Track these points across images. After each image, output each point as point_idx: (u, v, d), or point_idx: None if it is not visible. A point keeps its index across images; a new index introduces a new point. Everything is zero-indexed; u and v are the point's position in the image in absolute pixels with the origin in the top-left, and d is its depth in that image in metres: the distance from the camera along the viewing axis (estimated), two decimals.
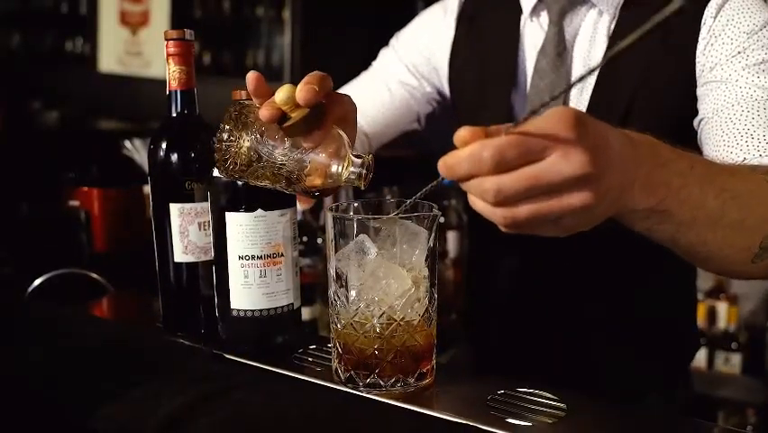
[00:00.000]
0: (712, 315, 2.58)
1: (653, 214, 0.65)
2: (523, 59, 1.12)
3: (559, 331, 1.13)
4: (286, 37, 3.54)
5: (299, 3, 3.46)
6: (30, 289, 1.13)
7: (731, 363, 2.51)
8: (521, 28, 1.13)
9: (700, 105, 0.99)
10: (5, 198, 1.50)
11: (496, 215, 0.58)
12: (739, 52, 0.95)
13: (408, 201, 0.75)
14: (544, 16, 1.10)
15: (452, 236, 1.98)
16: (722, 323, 2.56)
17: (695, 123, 1.00)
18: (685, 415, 0.76)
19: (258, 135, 0.76)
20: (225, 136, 0.76)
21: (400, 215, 0.76)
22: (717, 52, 0.97)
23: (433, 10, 1.25)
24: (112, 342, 0.97)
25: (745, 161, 0.89)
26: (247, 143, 0.76)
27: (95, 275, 1.17)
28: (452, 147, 0.58)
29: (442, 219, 1.93)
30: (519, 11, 1.13)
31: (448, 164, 0.57)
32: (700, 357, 2.53)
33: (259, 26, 3.84)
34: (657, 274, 1.12)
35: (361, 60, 1.32)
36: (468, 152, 0.55)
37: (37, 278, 1.13)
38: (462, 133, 0.56)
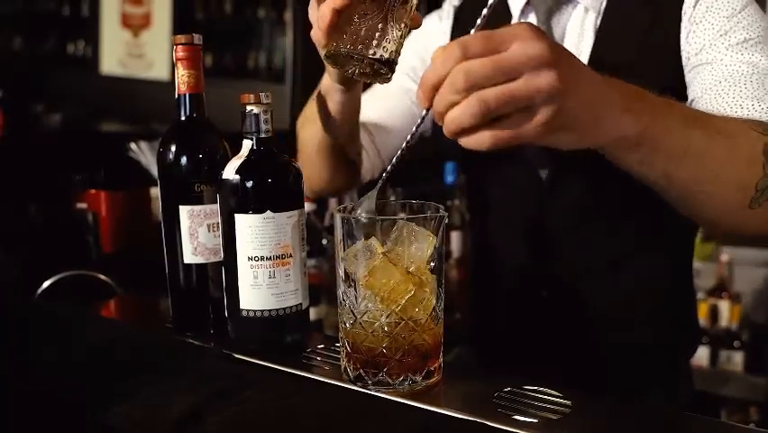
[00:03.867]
0: (714, 313, 2.58)
1: (643, 143, 0.68)
2: None
3: (561, 328, 1.14)
4: (287, 38, 3.55)
5: (300, 4, 3.47)
6: (39, 290, 1.14)
7: (733, 361, 2.52)
8: None
9: (689, 89, 1.01)
10: (14, 201, 1.51)
11: (470, 107, 0.60)
12: (722, 35, 0.98)
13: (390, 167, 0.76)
14: (533, 18, 1.13)
15: (455, 236, 2.00)
16: (724, 321, 2.57)
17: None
18: (688, 412, 0.77)
19: (402, 24, 0.78)
20: (365, 17, 0.77)
21: (407, 216, 0.77)
22: (699, 38, 1.00)
23: (429, 17, 1.28)
24: (122, 343, 0.98)
25: None
26: (391, 29, 0.78)
27: (103, 277, 1.18)
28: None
29: (447, 220, 1.93)
30: (509, 15, 1.16)
31: (426, 76, 0.62)
32: (703, 355, 2.54)
33: (260, 28, 3.85)
34: (656, 269, 1.13)
35: None
36: (440, 53, 0.62)
37: (46, 280, 1.15)
38: (437, 52, 0.62)
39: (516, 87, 0.60)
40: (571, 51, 1.08)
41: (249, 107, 0.86)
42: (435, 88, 0.62)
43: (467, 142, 0.63)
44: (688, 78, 1.02)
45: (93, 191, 1.33)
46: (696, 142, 0.71)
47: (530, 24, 0.62)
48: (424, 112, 0.67)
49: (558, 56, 0.61)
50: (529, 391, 0.78)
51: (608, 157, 0.72)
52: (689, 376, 1.24)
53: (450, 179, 2.10)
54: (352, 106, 1.04)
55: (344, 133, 1.09)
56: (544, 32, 0.62)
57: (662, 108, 0.70)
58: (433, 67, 0.62)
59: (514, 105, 0.60)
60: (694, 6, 1.01)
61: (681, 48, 1.02)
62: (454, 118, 0.62)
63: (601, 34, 1.07)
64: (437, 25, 1.26)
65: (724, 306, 2.58)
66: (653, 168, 0.71)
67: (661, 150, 0.69)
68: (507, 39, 0.60)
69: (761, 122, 0.82)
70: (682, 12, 1.02)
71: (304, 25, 3.46)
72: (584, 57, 1.08)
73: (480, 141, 0.62)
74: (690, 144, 0.71)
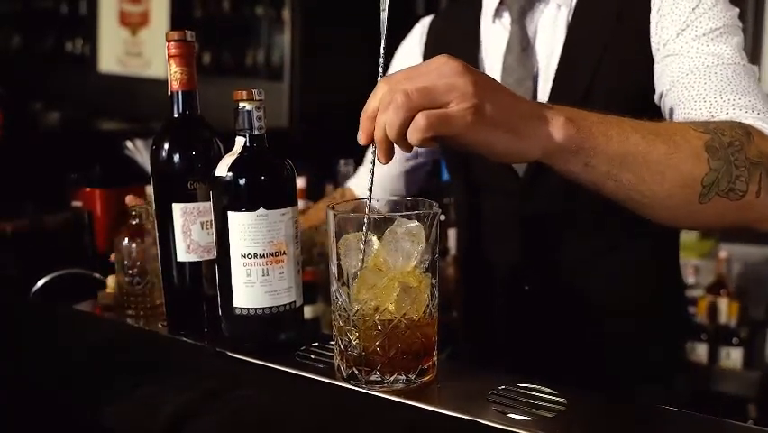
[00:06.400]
0: (713, 310, 2.58)
1: (580, 150, 0.73)
2: (490, 63, 1.17)
3: (553, 322, 1.14)
4: (285, 36, 3.54)
5: (299, 2, 3.46)
6: (34, 289, 1.14)
7: (732, 358, 2.51)
8: (483, 34, 1.19)
9: (660, 81, 1.03)
10: (10, 200, 1.51)
11: (395, 101, 0.67)
12: (688, 25, 1.00)
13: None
14: (506, 17, 1.16)
15: (453, 234, 1.99)
16: (723, 318, 2.57)
17: (656, 98, 1.04)
18: (684, 407, 0.77)
19: None
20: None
21: (401, 213, 0.77)
22: (667, 29, 1.02)
23: (403, 44, 1.33)
24: (116, 341, 0.98)
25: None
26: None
27: (98, 275, 1.18)
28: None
29: (443, 217, 1.94)
30: (477, 20, 1.19)
31: (362, 113, 0.71)
32: (702, 352, 2.54)
33: (258, 26, 3.84)
34: (641, 260, 1.15)
35: (359, 59, 1.34)
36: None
37: (41, 278, 1.14)
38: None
39: (433, 84, 0.68)
40: (545, 48, 1.11)
41: (241, 104, 0.85)
42: (372, 119, 0.70)
43: (409, 135, 0.68)
44: (657, 69, 1.03)
45: (88, 190, 1.32)
46: (635, 145, 0.75)
47: (447, 55, 0.70)
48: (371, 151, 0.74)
49: (472, 70, 0.69)
50: (524, 388, 0.77)
51: (556, 170, 0.76)
52: (684, 369, 1.25)
53: (447, 176, 2.10)
54: None
55: None
56: (458, 59, 0.70)
57: (595, 117, 0.75)
58: (366, 105, 0.71)
59: (432, 98, 0.67)
60: (662, 1, 1.03)
61: (651, 39, 1.04)
62: (387, 121, 0.68)
63: (572, 29, 1.09)
64: (410, 47, 1.30)
65: (723, 302, 2.57)
66: (597, 172, 0.75)
67: (600, 154, 0.74)
68: (425, 65, 0.70)
69: (700, 122, 0.84)
70: (651, 3, 1.04)
71: (302, 23, 3.46)
72: (557, 53, 1.10)
73: (416, 125, 0.67)
74: (629, 147, 0.75)
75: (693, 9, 1.00)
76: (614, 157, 0.74)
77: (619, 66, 1.06)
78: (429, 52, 1.26)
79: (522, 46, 1.11)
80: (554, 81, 1.09)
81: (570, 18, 1.10)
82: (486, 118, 0.68)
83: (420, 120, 0.66)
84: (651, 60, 1.04)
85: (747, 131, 0.82)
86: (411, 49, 1.30)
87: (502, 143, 0.71)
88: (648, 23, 1.03)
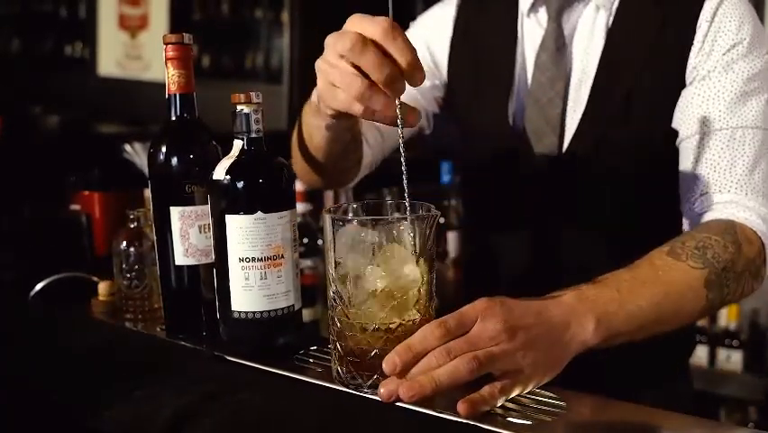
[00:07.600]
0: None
1: (604, 342, 0.81)
2: (522, 56, 1.15)
3: None
4: (285, 39, 3.55)
5: (298, 5, 3.47)
6: (32, 292, 1.14)
7: (732, 360, 2.51)
8: (519, 26, 1.16)
9: (681, 113, 1.05)
10: (8, 203, 1.51)
11: (465, 361, 0.71)
12: (722, 67, 1.02)
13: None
14: (543, 12, 1.13)
15: (452, 237, 1.99)
16: (723, 321, 2.56)
17: (677, 142, 1.06)
18: (686, 412, 0.77)
19: None
20: None
21: (398, 215, 0.77)
22: (702, 64, 1.04)
23: (433, 9, 1.28)
24: (114, 345, 0.97)
25: (704, 194, 1.01)
26: None
27: (96, 279, 1.18)
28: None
29: (442, 220, 1.93)
30: (516, 9, 1.16)
31: (409, 345, 0.72)
32: (702, 355, 2.53)
33: (258, 28, 3.85)
34: None
35: None
36: (419, 332, 0.73)
37: (39, 282, 1.14)
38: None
39: (500, 350, 0.73)
40: (580, 50, 1.10)
41: (239, 107, 0.85)
42: (417, 357, 0.71)
43: (473, 406, 0.71)
44: (684, 96, 1.05)
45: (86, 193, 1.32)
46: (648, 314, 0.85)
47: (488, 301, 0.76)
48: (399, 130, 0.75)
49: (516, 324, 0.75)
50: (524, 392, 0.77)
51: None
52: (687, 376, 1.24)
53: (446, 178, 2.10)
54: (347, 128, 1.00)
55: (342, 149, 1.06)
56: (501, 304, 0.76)
57: (615, 305, 0.82)
58: (415, 339, 0.72)
59: (493, 365, 0.72)
60: (709, 26, 1.03)
61: (689, 60, 1.04)
62: (451, 371, 0.70)
63: (612, 34, 1.08)
64: (440, 17, 1.26)
65: None
66: (619, 340, 0.84)
67: (623, 335, 0.83)
68: (472, 318, 0.74)
69: (697, 243, 0.91)
70: (697, 25, 1.04)
71: (301, 25, 3.46)
72: (594, 56, 1.08)
73: (485, 398, 0.72)
74: (644, 319, 0.85)
75: (728, 50, 1.02)
76: (633, 331, 0.84)
77: (656, 77, 1.06)
78: (459, 34, 1.21)
79: (557, 45, 1.10)
80: (594, 85, 1.08)
81: (610, 23, 1.09)
82: (534, 376, 0.75)
83: (490, 395, 0.72)
84: (683, 75, 1.05)
85: (738, 243, 0.93)
86: (441, 18, 1.24)
87: (541, 379, 0.77)
88: (692, 40, 1.04)
